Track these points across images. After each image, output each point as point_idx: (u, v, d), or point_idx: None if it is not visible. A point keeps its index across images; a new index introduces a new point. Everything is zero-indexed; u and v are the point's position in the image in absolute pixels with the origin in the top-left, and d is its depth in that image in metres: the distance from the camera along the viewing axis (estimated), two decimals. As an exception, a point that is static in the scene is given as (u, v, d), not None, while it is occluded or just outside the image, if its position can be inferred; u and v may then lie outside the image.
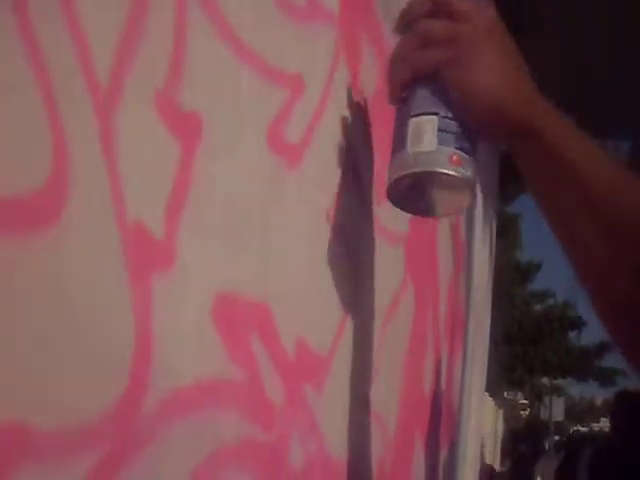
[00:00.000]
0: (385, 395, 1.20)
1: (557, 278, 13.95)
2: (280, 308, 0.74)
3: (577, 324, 16.92)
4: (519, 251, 16.93)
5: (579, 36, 2.57)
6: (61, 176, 0.44)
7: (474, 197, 0.72)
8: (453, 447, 2.14)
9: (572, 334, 17.68)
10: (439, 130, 0.68)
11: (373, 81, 1.07)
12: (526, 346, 17.25)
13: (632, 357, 0.66)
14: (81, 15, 0.45)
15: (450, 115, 0.69)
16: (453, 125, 0.69)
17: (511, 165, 0.72)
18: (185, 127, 0.58)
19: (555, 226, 0.68)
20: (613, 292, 0.65)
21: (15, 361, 0.40)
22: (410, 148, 0.69)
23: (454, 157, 0.68)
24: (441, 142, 0.68)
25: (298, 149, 0.79)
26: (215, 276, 0.62)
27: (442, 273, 1.66)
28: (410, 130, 0.70)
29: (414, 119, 0.70)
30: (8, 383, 0.39)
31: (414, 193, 0.72)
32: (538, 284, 20.11)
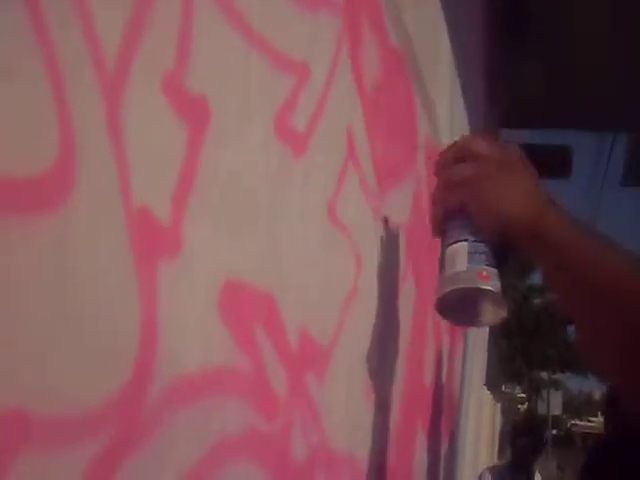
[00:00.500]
0: (387, 387, 1.20)
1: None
2: (285, 297, 0.74)
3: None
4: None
5: (582, 25, 2.56)
6: (68, 161, 0.43)
7: (505, 305, 0.82)
8: (453, 439, 2.14)
9: (571, 328, 17.70)
10: (469, 253, 0.81)
11: (375, 70, 1.07)
12: (525, 340, 17.27)
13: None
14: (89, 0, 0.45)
15: (479, 239, 0.81)
16: (482, 247, 0.81)
17: None
18: (193, 112, 0.57)
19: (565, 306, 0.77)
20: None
21: (16, 348, 0.39)
22: (447, 271, 0.82)
23: (483, 273, 0.80)
24: (471, 261, 0.80)
25: (304, 137, 0.79)
26: (221, 264, 0.62)
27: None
28: (447, 257, 0.83)
29: (449, 247, 0.83)
30: (8, 370, 0.39)
31: (458, 307, 0.83)
32: (537, 278, 20.12)
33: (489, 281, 0.80)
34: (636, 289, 0.70)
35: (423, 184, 1.47)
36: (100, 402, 0.47)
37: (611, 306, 0.71)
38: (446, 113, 1.89)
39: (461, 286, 0.81)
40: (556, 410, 20.64)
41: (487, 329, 2.86)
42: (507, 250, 0.84)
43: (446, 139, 1.65)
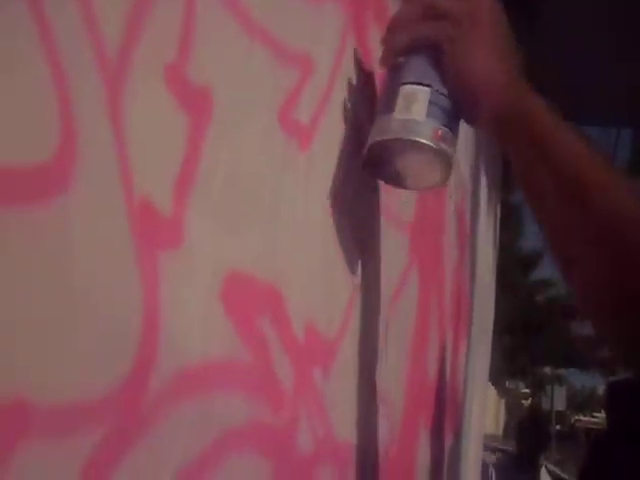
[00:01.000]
0: (391, 382, 1.20)
1: (560, 268, 13.91)
2: (289, 289, 0.74)
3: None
4: (521, 241, 16.96)
5: (585, 21, 2.56)
6: (68, 150, 0.43)
7: (448, 178, 0.72)
8: (457, 436, 2.14)
9: (574, 324, 17.69)
10: (430, 103, 0.68)
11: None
12: (529, 336, 17.28)
13: (616, 347, 0.66)
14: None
15: (443, 91, 0.69)
16: (444, 102, 0.69)
17: None
18: (195, 103, 0.57)
19: (535, 206, 0.67)
20: (597, 280, 0.64)
21: (16, 338, 0.39)
22: (397, 114, 0.69)
23: (439, 132, 0.68)
24: (429, 115, 0.68)
25: (308, 129, 0.78)
26: (223, 255, 0.62)
27: (447, 259, 1.66)
28: (400, 96, 0.70)
29: (406, 86, 0.70)
30: (8, 360, 0.39)
31: (390, 159, 0.72)
32: (540, 274, 20.12)
33: (445, 143, 0.68)
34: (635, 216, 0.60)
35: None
36: (101, 393, 0.46)
37: (602, 217, 0.61)
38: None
39: (414, 138, 0.68)
40: (560, 406, 20.64)
41: (491, 323, 2.85)
42: (468, 120, 0.72)
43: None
